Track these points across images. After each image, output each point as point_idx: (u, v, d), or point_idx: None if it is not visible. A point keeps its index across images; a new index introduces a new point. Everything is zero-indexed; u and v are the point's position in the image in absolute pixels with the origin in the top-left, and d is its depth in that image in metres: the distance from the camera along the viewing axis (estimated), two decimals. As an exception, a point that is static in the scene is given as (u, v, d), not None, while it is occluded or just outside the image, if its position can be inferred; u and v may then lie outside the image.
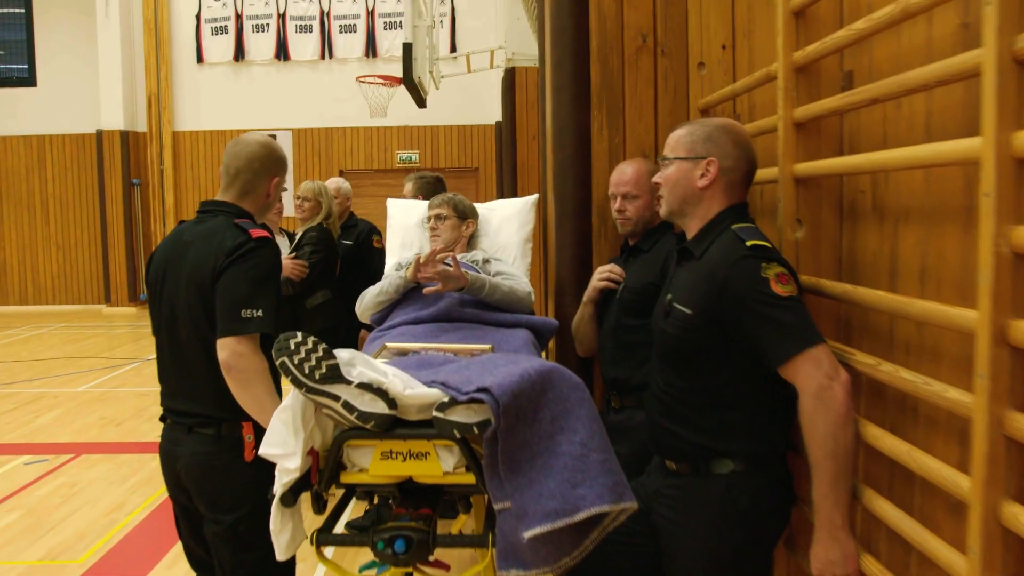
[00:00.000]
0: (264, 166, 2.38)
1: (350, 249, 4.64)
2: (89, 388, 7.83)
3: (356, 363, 1.82)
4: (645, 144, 3.00)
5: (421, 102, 9.00)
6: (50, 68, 14.44)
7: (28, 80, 14.53)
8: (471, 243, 3.30)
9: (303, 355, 1.76)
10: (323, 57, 14.02)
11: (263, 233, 2.29)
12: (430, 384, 1.83)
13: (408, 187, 4.39)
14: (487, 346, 2.38)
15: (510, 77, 8.82)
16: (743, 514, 1.89)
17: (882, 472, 1.80)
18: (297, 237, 4.34)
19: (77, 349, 10.17)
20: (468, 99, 12.99)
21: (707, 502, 1.91)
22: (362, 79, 9.74)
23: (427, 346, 2.38)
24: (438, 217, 3.13)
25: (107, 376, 8.40)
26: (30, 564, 3.86)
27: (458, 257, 3.05)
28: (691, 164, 1.97)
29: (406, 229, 3.41)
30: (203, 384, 2.32)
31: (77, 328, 12.11)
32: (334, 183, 4.68)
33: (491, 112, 12.87)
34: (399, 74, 8.29)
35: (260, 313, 2.17)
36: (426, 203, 3.33)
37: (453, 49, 12.91)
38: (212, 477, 2.27)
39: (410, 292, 2.83)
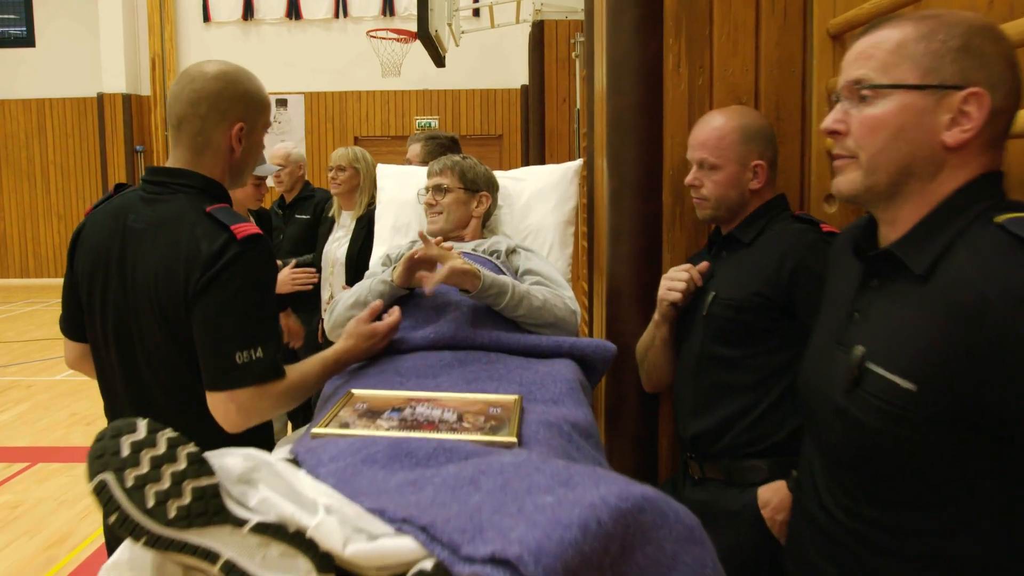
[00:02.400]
0: (215, 107, 1.61)
1: (308, 224, 3.88)
2: (67, 377, 7.04)
3: (257, 478, 0.94)
4: (741, 87, 2.08)
5: (439, 60, 8.06)
6: (49, 27, 13.62)
7: (26, 40, 13.72)
8: (488, 225, 2.40)
9: (146, 469, 0.88)
10: (337, 16, 13.10)
11: (251, 229, 1.56)
12: (400, 524, 0.93)
13: (414, 149, 3.47)
14: (511, 397, 1.50)
15: (538, 32, 7.86)
16: None
17: None
18: (350, 220, 3.59)
19: (67, 329, 9.40)
20: (492, 61, 12.09)
21: None
22: (373, 34, 8.80)
23: (417, 395, 1.50)
24: (437, 188, 2.24)
25: (90, 362, 7.63)
26: (-70, 627, 3.06)
27: (471, 247, 2.17)
28: (931, 99, 1.03)
29: (400, 206, 2.51)
30: (177, 423, 1.54)
31: (73, 304, 11.36)
32: (283, 148, 3.93)
33: (516, 75, 11.96)
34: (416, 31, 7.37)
35: (260, 353, 1.51)
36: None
37: (475, -1, 11.90)
38: None
39: (399, 302, 1.94)
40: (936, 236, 1.03)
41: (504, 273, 2.01)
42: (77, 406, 6.06)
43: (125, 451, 0.89)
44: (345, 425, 1.36)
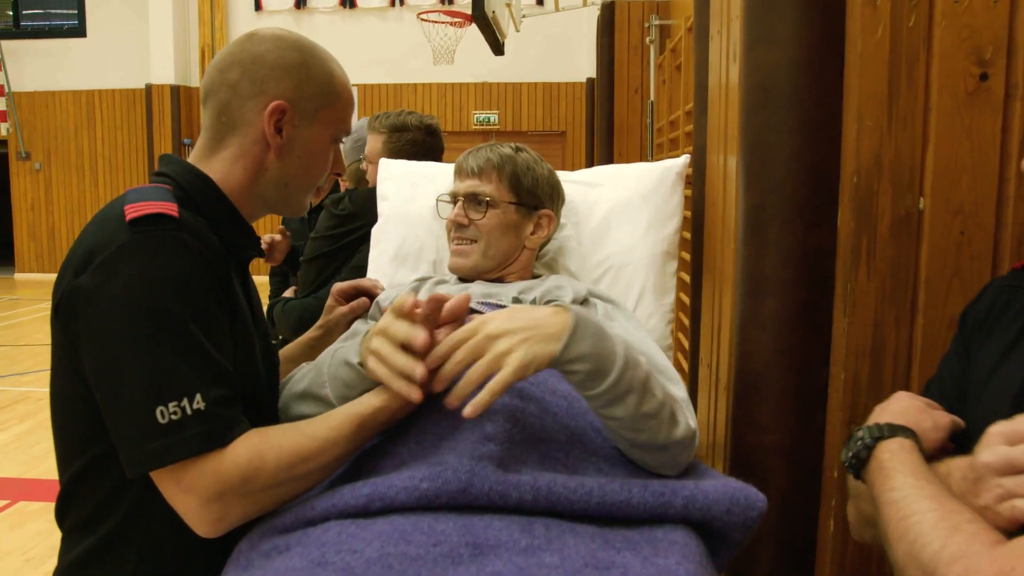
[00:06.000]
0: (250, 73, 1.09)
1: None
2: (82, 389, 6.46)
3: None
4: (983, 32, 1.20)
5: (498, 47, 7.26)
6: (99, 16, 13.27)
7: (78, 30, 13.40)
8: (544, 257, 1.56)
9: None
10: (392, 4, 12.49)
11: (154, 207, 0.99)
12: None
13: (373, 144, 2.37)
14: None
15: (608, 15, 7.03)
16: None
17: None
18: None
19: (98, 332, 8.89)
20: (555, 52, 11.35)
21: None
22: (424, 16, 8.01)
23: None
24: (473, 199, 1.40)
25: (110, 373, 7.04)
26: None
27: (514, 293, 1.33)
28: None
29: (408, 223, 1.67)
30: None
31: (113, 303, 10.92)
32: None
33: (581, 68, 11.21)
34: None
35: (200, 403, 0.93)
36: (452, 168, 1.56)
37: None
38: None
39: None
40: None
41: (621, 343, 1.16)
42: (83, 427, 5.44)
43: None
44: None
